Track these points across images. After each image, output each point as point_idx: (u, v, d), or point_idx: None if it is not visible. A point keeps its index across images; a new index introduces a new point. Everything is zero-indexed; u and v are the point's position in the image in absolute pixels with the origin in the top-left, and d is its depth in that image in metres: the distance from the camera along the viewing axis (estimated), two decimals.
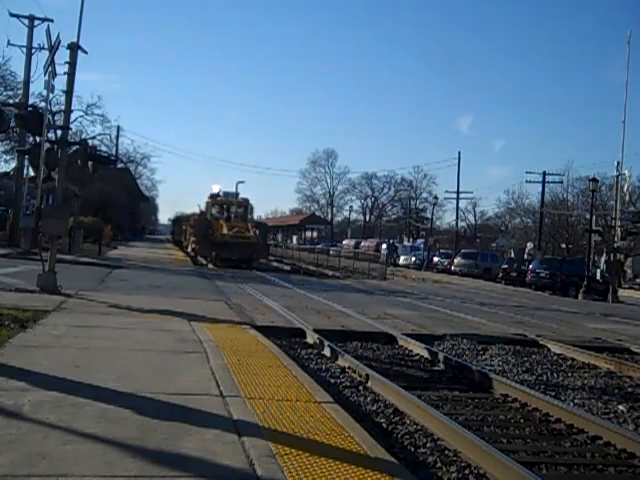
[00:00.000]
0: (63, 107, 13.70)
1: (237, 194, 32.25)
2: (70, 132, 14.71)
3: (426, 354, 9.08)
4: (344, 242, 68.02)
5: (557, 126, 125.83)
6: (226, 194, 32.42)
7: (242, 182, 33.62)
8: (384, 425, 5.59)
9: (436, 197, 60.99)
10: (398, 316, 12.96)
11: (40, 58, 22.51)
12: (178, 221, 56.83)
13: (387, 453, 4.10)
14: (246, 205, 32.70)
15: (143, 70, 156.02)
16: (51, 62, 12.03)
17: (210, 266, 28.00)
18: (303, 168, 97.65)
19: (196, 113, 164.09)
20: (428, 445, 5.06)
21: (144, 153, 60.73)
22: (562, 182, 54.78)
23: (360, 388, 6.87)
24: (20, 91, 27.91)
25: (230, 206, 31.70)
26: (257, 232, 28.68)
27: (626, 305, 26.57)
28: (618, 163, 33.04)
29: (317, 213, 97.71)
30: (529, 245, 51.22)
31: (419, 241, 66.54)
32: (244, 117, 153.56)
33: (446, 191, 71.36)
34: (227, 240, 26.76)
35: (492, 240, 77.34)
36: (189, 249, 35.62)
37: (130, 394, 4.85)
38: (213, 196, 32.72)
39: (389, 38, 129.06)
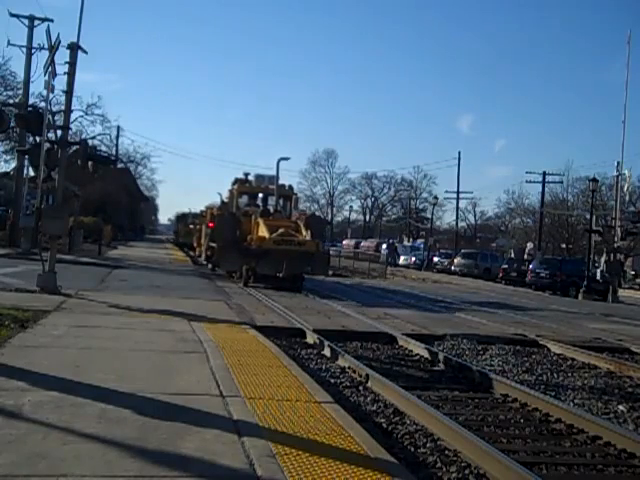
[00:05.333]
0: (63, 107, 13.72)
1: (277, 178, 20.92)
2: (70, 132, 14.73)
3: (426, 354, 9.08)
4: (344, 242, 67.99)
5: (557, 126, 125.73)
6: (259, 178, 22.21)
7: (286, 159, 21.77)
8: (384, 425, 5.58)
9: (436, 197, 60.97)
10: (398, 316, 12.96)
11: (40, 58, 22.38)
12: (184, 219, 49.59)
13: (387, 453, 4.10)
14: (290, 195, 22.07)
15: (143, 70, 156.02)
16: (51, 62, 12.03)
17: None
18: (303, 168, 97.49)
19: (196, 113, 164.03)
20: (428, 445, 5.06)
21: (144, 153, 60.57)
22: (562, 182, 54.83)
23: (360, 388, 6.87)
24: (20, 91, 27.92)
25: (267, 196, 22.01)
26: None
27: (626, 305, 26.55)
28: (618, 163, 33.10)
29: (317, 213, 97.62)
30: (529, 245, 51.20)
31: (419, 241, 66.51)
32: (244, 117, 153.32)
33: (446, 191, 71.51)
34: (269, 247, 16.96)
35: (492, 240, 77.32)
36: (202, 257, 26.42)
37: (130, 394, 4.85)
38: (241, 181, 22.21)
39: (389, 38, 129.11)
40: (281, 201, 21.44)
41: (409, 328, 11.20)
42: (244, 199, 22.24)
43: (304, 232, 18.15)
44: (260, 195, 22.30)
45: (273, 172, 21.09)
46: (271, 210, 20.19)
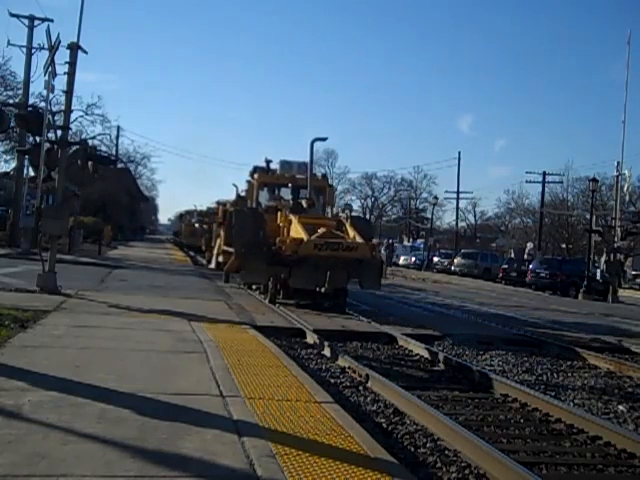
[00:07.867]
0: (63, 107, 13.72)
1: (310, 163, 16.11)
2: (70, 132, 14.72)
3: (426, 354, 9.07)
4: None
5: (557, 126, 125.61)
6: (285, 165, 17.57)
7: (323, 139, 16.06)
8: (384, 425, 5.58)
9: (436, 197, 60.99)
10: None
11: (40, 58, 22.47)
12: (187, 217, 46.36)
13: (387, 453, 4.09)
14: (325, 186, 17.70)
15: (143, 70, 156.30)
16: (51, 62, 12.03)
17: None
18: None
19: (196, 113, 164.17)
20: (428, 445, 5.05)
21: (144, 153, 60.65)
22: (562, 182, 54.91)
23: (360, 388, 6.86)
24: (20, 91, 27.95)
25: (298, 188, 17.09)
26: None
27: (626, 305, 26.56)
28: (618, 163, 33.17)
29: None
30: (529, 245, 51.20)
31: (419, 241, 66.57)
32: (244, 117, 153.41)
33: (446, 191, 71.26)
34: (309, 253, 12.57)
35: (492, 240, 77.33)
36: (213, 263, 22.01)
37: (130, 394, 4.85)
38: (262, 170, 17.63)
39: (389, 38, 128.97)
40: (315, 194, 16.63)
41: (409, 328, 11.13)
42: (267, 193, 17.69)
43: (351, 233, 13.59)
44: (290, 185, 17.36)
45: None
46: (304, 205, 15.54)
